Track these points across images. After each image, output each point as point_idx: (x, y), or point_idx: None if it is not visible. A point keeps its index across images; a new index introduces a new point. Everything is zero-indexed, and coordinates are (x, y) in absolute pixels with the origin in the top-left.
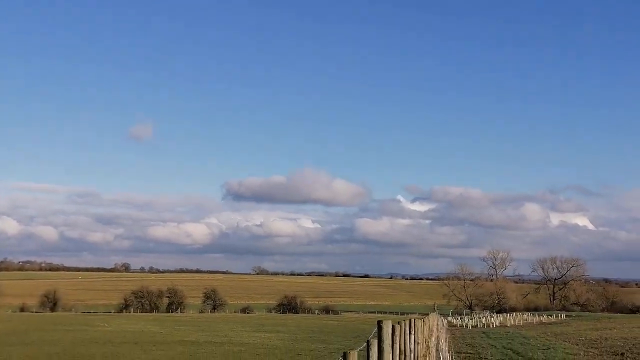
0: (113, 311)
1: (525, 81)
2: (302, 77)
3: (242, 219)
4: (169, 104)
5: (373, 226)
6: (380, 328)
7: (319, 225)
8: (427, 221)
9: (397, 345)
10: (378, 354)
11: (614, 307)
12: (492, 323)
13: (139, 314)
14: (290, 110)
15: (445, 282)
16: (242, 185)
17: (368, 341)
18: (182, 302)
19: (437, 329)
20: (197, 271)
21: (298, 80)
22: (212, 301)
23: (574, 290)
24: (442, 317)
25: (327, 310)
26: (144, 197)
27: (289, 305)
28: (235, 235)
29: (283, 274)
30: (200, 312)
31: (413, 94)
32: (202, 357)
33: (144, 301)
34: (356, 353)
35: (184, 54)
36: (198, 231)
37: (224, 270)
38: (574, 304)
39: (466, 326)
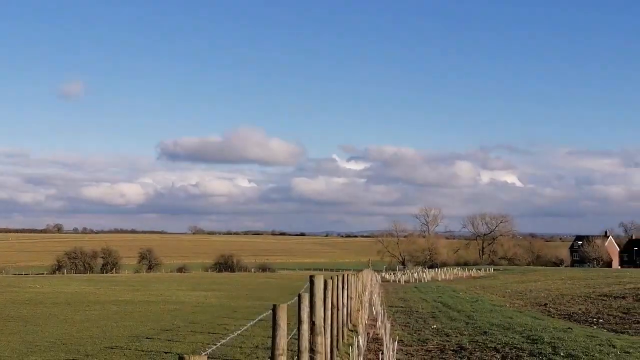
0: (45, 273)
1: (455, 41)
2: (236, 33)
3: (178, 178)
4: (100, 60)
5: (309, 185)
6: (312, 283)
7: (255, 185)
8: (362, 180)
9: (329, 300)
10: (310, 307)
11: (539, 261)
12: (424, 278)
13: (72, 274)
14: (225, 68)
15: (379, 239)
16: (177, 145)
17: (299, 295)
18: (117, 263)
19: (371, 284)
20: (132, 231)
21: (232, 37)
22: (148, 261)
23: (502, 245)
24: (375, 273)
25: (263, 268)
26: (76, 156)
27: (225, 264)
28: (171, 195)
29: (220, 234)
30: (135, 272)
31: (348, 51)
32: (136, 316)
33: (77, 262)
34: (285, 306)
35: (115, 7)
36: (132, 191)
37: (160, 230)
38: (502, 258)
39: (399, 281)
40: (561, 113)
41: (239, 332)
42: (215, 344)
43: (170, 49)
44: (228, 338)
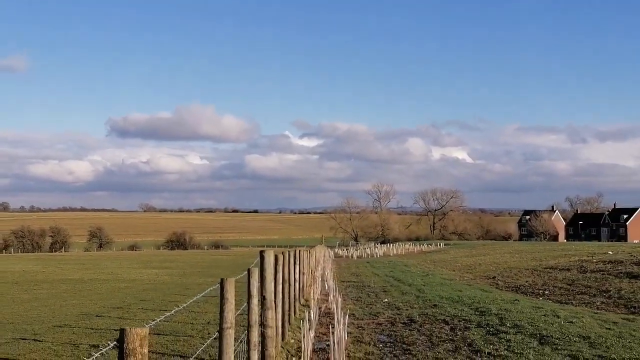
0: None
1: (407, 17)
2: (188, 7)
3: (128, 156)
4: (45, 33)
5: (262, 162)
6: (262, 258)
7: (207, 162)
8: (315, 156)
9: (280, 275)
10: (260, 282)
11: (488, 235)
12: (376, 253)
13: (19, 254)
14: (176, 43)
15: (332, 215)
16: (126, 122)
17: (248, 270)
18: (66, 242)
19: (324, 260)
20: (82, 209)
21: (183, 11)
22: (98, 239)
23: (452, 220)
24: (328, 249)
25: (216, 245)
26: (21, 133)
27: (177, 242)
28: (121, 173)
29: (172, 211)
30: (85, 251)
31: (300, 26)
32: (86, 294)
33: (25, 241)
34: (233, 280)
35: None
36: (81, 169)
37: (110, 208)
38: (453, 233)
39: (352, 257)
40: (510, 89)
41: (185, 305)
42: (160, 318)
43: (121, 22)
44: (173, 311)
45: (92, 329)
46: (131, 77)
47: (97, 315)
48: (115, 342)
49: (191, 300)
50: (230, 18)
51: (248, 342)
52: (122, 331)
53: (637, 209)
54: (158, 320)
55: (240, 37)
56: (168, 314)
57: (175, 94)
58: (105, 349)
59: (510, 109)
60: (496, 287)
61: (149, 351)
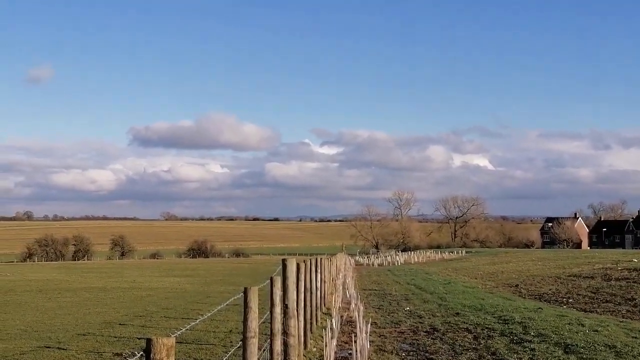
0: (16, 261)
1: (428, 25)
2: (208, 17)
3: (149, 164)
4: (70, 44)
5: (282, 170)
6: (284, 266)
7: (227, 170)
8: (335, 164)
9: (302, 283)
10: (282, 290)
11: (510, 243)
12: (397, 261)
13: (43, 262)
14: (197, 53)
15: (353, 223)
16: (148, 130)
17: (271, 278)
18: (88, 250)
19: (344, 268)
20: (104, 218)
21: (204, 21)
22: (120, 248)
23: (473, 227)
24: (349, 257)
25: (237, 253)
26: (45, 143)
27: (199, 250)
28: (143, 181)
29: (193, 219)
30: (108, 259)
31: (320, 35)
32: (109, 302)
33: (48, 250)
34: (257, 289)
35: None
36: (103, 177)
37: (132, 217)
38: (474, 240)
39: (372, 265)
40: (532, 95)
41: (209, 314)
42: (186, 327)
43: (142, 33)
44: (198, 321)
45: (115, 337)
46: (153, 86)
47: (120, 324)
48: (141, 352)
49: (216, 310)
50: (251, 26)
51: (271, 350)
52: (149, 341)
53: None
54: (184, 329)
55: (261, 45)
56: (193, 323)
57: (197, 102)
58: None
59: (532, 115)
60: (519, 295)
61: None
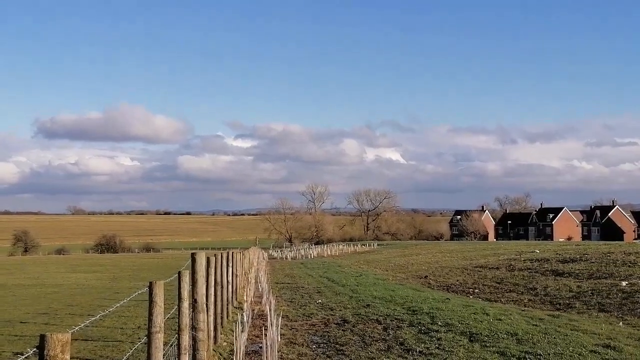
0: None
1: (342, 16)
2: (117, 6)
3: (55, 157)
4: None
5: (195, 163)
6: (194, 260)
7: (138, 163)
8: (250, 157)
9: (212, 277)
10: (191, 284)
11: (421, 235)
12: (310, 254)
13: None
14: (107, 41)
15: (267, 216)
16: (54, 122)
17: (179, 273)
18: None
19: (257, 262)
20: (6, 212)
21: (113, 10)
22: (24, 243)
23: (385, 220)
24: (262, 251)
25: (147, 248)
26: None
27: (107, 245)
28: (48, 175)
29: (101, 214)
30: (10, 255)
31: (233, 26)
32: (10, 300)
33: None
34: (162, 283)
35: None
36: (5, 170)
37: (36, 211)
38: (386, 233)
39: (286, 258)
40: (442, 91)
41: (112, 309)
42: (85, 323)
43: (47, 20)
44: (98, 316)
45: (16, 335)
46: (59, 76)
47: (21, 322)
48: (35, 349)
49: (118, 305)
50: (162, 16)
51: (179, 346)
52: (42, 337)
53: (562, 208)
54: (83, 325)
55: (173, 36)
56: (93, 318)
57: (105, 93)
58: (23, 357)
59: (443, 110)
60: (428, 287)
61: (76, 357)
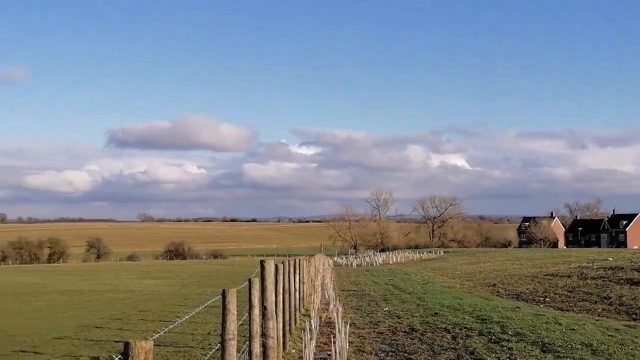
0: None
1: (407, 23)
2: (184, 16)
3: (126, 166)
4: (45, 44)
5: (260, 170)
6: (263, 267)
7: (205, 171)
8: (314, 164)
9: (280, 284)
10: (261, 292)
11: (488, 242)
12: (376, 261)
13: (17, 265)
14: (174, 52)
15: (331, 223)
16: (125, 132)
17: (250, 280)
18: (64, 252)
19: (323, 269)
20: (80, 220)
21: (179, 20)
22: (96, 250)
23: (451, 227)
24: (328, 258)
25: (215, 255)
26: (20, 144)
27: (176, 252)
28: (119, 183)
29: (170, 221)
30: (83, 262)
31: (298, 33)
32: (85, 306)
33: (22, 252)
34: (235, 290)
35: None
36: (79, 179)
37: (108, 218)
38: (452, 240)
39: (351, 265)
40: (510, 96)
41: (187, 317)
42: (164, 330)
43: (118, 33)
44: (176, 323)
45: (92, 340)
46: (129, 87)
47: (96, 327)
48: (119, 356)
49: (194, 312)
50: (227, 26)
51: (250, 352)
52: (127, 345)
53: (637, 214)
54: (162, 332)
55: (239, 45)
56: (172, 325)
57: (174, 103)
58: None
59: (510, 115)
60: (497, 295)
61: None
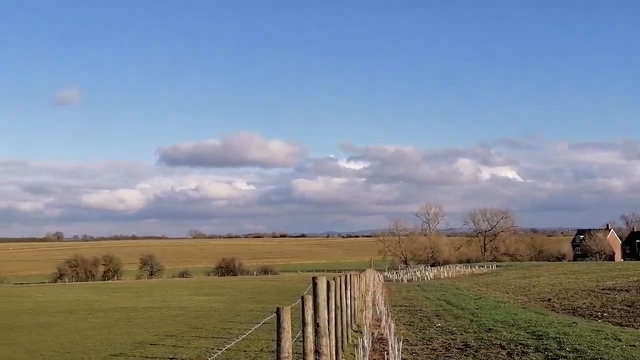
0: (47, 281)
1: (448, 38)
2: (231, 36)
3: (177, 183)
4: (96, 67)
5: (309, 186)
6: (315, 284)
7: (254, 187)
8: (362, 179)
9: (332, 301)
10: (313, 309)
11: (541, 256)
12: (427, 276)
13: (73, 283)
14: (222, 71)
15: (381, 238)
16: (175, 150)
17: (302, 297)
18: (118, 269)
19: (374, 284)
20: (133, 237)
21: (228, 40)
22: (150, 267)
23: (503, 241)
24: (378, 273)
25: (265, 271)
26: (74, 164)
27: (227, 268)
28: (171, 200)
29: (220, 237)
30: (137, 279)
31: (345, 49)
32: (140, 323)
33: (78, 270)
34: (289, 309)
35: (110, 16)
36: (132, 197)
37: (160, 235)
38: (504, 254)
39: (402, 280)
40: (561, 106)
41: (244, 336)
42: (220, 349)
43: (167, 53)
44: (233, 342)
45: (147, 357)
46: (179, 106)
47: (151, 344)
48: None
49: (249, 332)
50: (275, 43)
51: None
52: None
53: None
54: (220, 352)
55: (286, 63)
56: (229, 345)
57: (223, 120)
58: None
59: (561, 125)
60: (552, 310)
61: None
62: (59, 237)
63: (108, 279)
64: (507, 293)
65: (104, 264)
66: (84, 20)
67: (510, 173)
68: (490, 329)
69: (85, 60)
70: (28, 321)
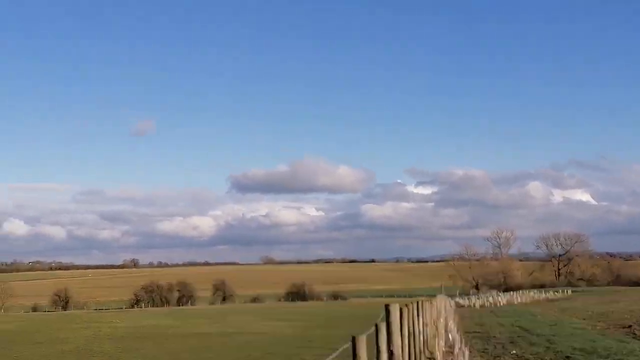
0: (124, 307)
1: (518, 59)
2: (298, 68)
3: (248, 210)
4: (171, 100)
5: (377, 211)
6: (388, 312)
7: (323, 213)
8: (431, 204)
9: (405, 328)
10: (387, 336)
11: (619, 281)
12: (500, 302)
13: (150, 308)
14: (290, 100)
15: (451, 263)
16: (246, 177)
17: (376, 325)
18: (192, 295)
19: (445, 310)
20: (206, 264)
21: (295, 72)
22: (222, 293)
23: (578, 265)
24: (449, 298)
25: (335, 296)
26: (149, 192)
27: (297, 293)
28: (242, 226)
29: (291, 263)
30: (210, 304)
31: (409, 76)
32: (215, 348)
33: (154, 296)
34: (364, 337)
35: (184, 50)
36: (204, 224)
37: (232, 261)
38: (580, 279)
39: (474, 306)
40: (632, 128)
41: None
42: None
43: (236, 85)
44: None
45: None
46: (249, 135)
47: None
48: None
49: (328, 359)
50: (339, 67)
51: None
52: None
53: None
54: None
55: (352, 86)
56: None
57: (291, 147)
58: None
59: (635, 146)
60: (633, 337)
61: None
62: (135, 264)
63: (182, 305)
64: (584, 319)
65: (178, 290)
66: (159, 55)
67: (583, 196)
68: (568, 357)
69: (159, 92)
70: (108, 347)
